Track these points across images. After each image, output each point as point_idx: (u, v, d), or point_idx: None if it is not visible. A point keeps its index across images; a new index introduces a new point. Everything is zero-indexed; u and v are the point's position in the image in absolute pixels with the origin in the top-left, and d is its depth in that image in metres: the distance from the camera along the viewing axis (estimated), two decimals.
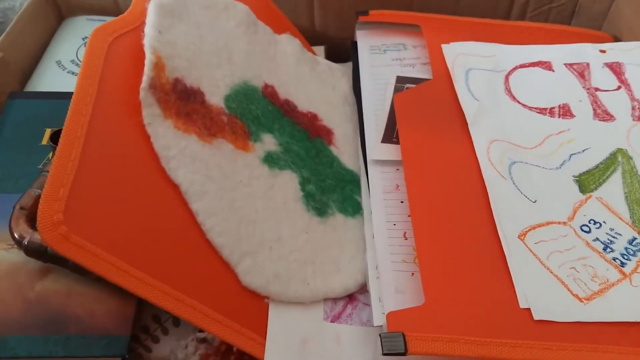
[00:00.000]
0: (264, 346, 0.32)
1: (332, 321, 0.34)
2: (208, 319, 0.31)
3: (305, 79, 0.45)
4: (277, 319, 0.33)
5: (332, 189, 0.39)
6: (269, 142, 0.39)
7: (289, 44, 0.46)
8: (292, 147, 0.40)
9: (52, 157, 0.40)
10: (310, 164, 0.40)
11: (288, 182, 0.37)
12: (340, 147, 0.42)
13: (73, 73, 0.50)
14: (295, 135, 0.40)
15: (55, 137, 0.39)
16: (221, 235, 0.33)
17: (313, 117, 0.43)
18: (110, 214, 0.30)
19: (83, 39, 0.54)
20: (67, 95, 0.39)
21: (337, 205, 0.39)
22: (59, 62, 0.51)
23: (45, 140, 0.42)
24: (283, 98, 0.42)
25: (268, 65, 0.43)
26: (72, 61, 0.51)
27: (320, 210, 0.38)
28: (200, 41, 0.38)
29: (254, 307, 0.33)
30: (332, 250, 0.36)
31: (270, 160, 0.38)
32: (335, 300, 0.35)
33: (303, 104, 0.43)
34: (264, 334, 0.33)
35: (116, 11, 0.56)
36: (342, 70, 0.49)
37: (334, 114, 0.44)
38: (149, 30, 0.36)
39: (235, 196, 0.35)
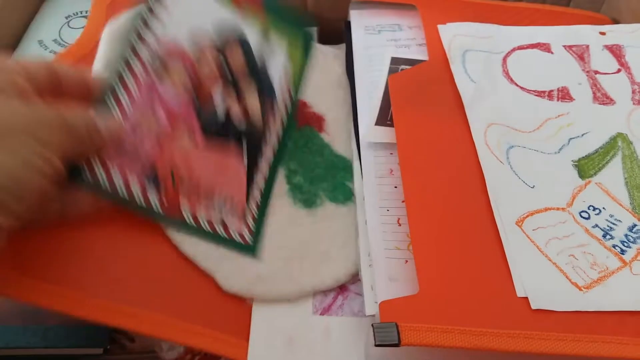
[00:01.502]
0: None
1: (321, 314, 0.33)
2: (187, 333, 0.31)
3: None
4: (261, 319, 0.32)
5: (322, 178, 0.39)
6: None
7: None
8: None
9: None
10: (299, 154, 0.39)
11: None
12: (331, 133, 0.41)
13: (56, 53, 0.48)
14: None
15: None
16: (192, 245, 0.33)
17: (302, 105, 0.42)
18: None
19: (66, 18, 0.52)
20: None
21: (326, 194, 0.38)
22: (41, 42, 0.49)
23: None
24: None
25: None
26: (55, 40, 0.49)
27: (308, 202, 0.37)
28: None
29: (237, 309, 0.32)
30: (321, 242, 0.35)
31: None
32: (325, 292, 0.34)
33: None
34: (248, 337, 0.32)
35: None
36: (334, 53, 0.47)
37: (324, 100, 0.43)
38: (97, 60, 0.39)
39: None
